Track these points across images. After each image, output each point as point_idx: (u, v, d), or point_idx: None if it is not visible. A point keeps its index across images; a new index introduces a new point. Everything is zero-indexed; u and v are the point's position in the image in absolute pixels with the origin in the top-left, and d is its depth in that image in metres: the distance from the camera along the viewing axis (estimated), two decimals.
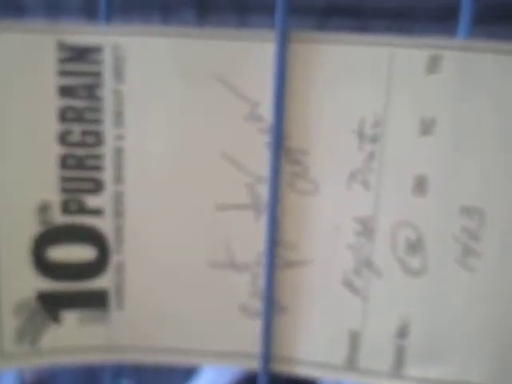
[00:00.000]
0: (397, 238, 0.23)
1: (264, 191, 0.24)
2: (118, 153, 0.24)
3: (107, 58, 0.23)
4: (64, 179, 0.24)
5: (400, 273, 0.24)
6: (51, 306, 0.25)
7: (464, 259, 0.23)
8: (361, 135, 0.23)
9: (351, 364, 0.25)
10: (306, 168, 0.24)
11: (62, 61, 0.23)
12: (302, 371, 0.25)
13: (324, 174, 0.24)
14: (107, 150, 0.24)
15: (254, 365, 0.25)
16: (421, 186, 0.23)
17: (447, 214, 0.23)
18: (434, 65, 0.22)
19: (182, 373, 0.44)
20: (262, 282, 0.24)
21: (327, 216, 0.24)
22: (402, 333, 0.24)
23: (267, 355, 0.25)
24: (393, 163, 0.23)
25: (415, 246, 0.23)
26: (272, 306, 0.24)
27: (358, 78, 0.23)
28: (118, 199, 0.24)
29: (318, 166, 0.24)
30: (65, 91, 0.23)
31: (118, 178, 0.24)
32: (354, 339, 0.24)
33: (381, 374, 0.24)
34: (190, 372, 0.42)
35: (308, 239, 0.24)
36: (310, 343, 0.25)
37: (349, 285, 0.24)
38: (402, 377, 0.24)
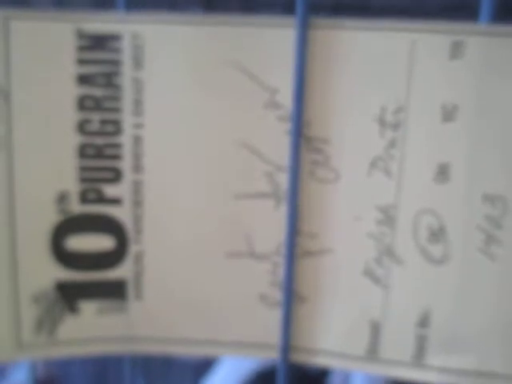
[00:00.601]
0: (419, 226, 0.23)
1: (284, 180, 0.23)
2: (137, 141, 0.23)
3: (126, 46, 0.22)
4: (83, 169, 0.23)
5: (422, 261, 0.23)
6: (69, 296, 0.24)
7: (487, 248, 0.22)
8: (382, 122, 0.22)
9: (372, 354, 0.24)
10: (327, 156, 0.23)
11: (81, 49, 0.22)
12: (322, 362, 0.24)
13: (345, 162, 0.23)
14: (126, 138, 0.23)
15: (273, 355, 0.24)
16: (443, 173, 0.22)
17: (470, 202, 0.22)
18: (456, 50, 0.21)
19: (193, 371, 0.43)
20: (281, 272, 0.24)
21: (348, 205, 0.23)
22: (424, 322, 0.23)
23: (286, 345, 0.24)
24: (415, 150, 0.22)
25: (437, 235, 0.22)
26: (292, 296, 0.24)
27: (379, 64, 0.22)
28: (137, 188, 0.23)
29: (338, 154, 0.23)
30: (83, 79, 0.23)
31: (137, 167, 0.23)
32: (375, 329, 0.23)
33: (402, 364, 0.24)
34: (201, 370, 0.41)
35: (328, 228, 0.23)
36: (330, 333, 0.24)
37: (370, 274, 0.23)
38: (424, 367, 0.23)
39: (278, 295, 0.24)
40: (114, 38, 0.22)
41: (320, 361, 0.24)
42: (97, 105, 0.23)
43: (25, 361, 0.25)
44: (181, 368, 0.45)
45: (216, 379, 0.38)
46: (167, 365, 0.44)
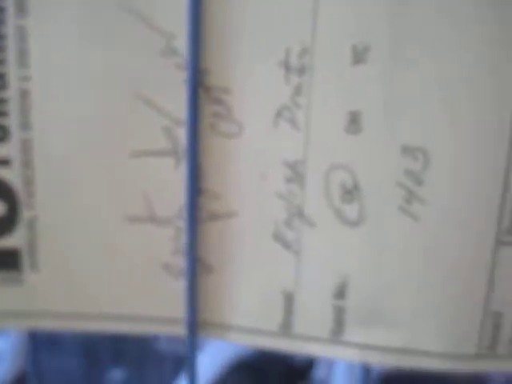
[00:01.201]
0: (330, 183, 0.20)
1: (183, 135, 0.20)
2: (24, 96, 0.21)
3: None
4: None
5: (336, 223, 0.20)
6: None
7: (408, 206, 0.19)
8: (287, 66, 0.19)
9: (286, 330, 0.21)
10: (229, 107, 0.20)
11: None
12: (233, 338, 0.21)
13: (248, 113, 0.20)
14: (12, 93, 0.21)
15: (180, 331, 0.22)
16: (355, 122, 0.19)
17: (387, 155, 0.19)
18: None
19: (174, 362, 0.41)
20: (184, 238, 0.21)
21: (253, 161, 0.20)
22: (341, 292, 0.20)
23: (193, 320, 0.21)
24: (323, 97, 0.19)
25: (352, 193, 0.20)
26: (196, 265, 0.21)
27: (281, 1, 0.19)
28: (26, 148, 0.21)
29: (241, 104, 0.20)
30: None
31: (25, 125, 0.21)
32: (288, 301, 0.21)
33: (319, 340, 0.21)
34: (182, 360, 0.39)
35: (233, 188, 0.20)
36: (241, 306, 0.21)
37: (280, 238, 0.20)
38: (343, 343, 0.21)
39: (182, 264, 0.21)
40: None
41: (232, 337, 0.22)
42: None
43: None
44: (161, 358, 0.43)
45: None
46: (147, 355, 0.43)
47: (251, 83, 0.20)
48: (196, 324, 0.21)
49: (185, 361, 0.38)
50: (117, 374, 0.37)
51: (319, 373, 0.35)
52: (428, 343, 0.20)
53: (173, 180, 0.21)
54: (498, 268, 0.19)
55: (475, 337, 0.20)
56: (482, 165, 0.19)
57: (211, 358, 0.35)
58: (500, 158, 0.19)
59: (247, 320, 0.21)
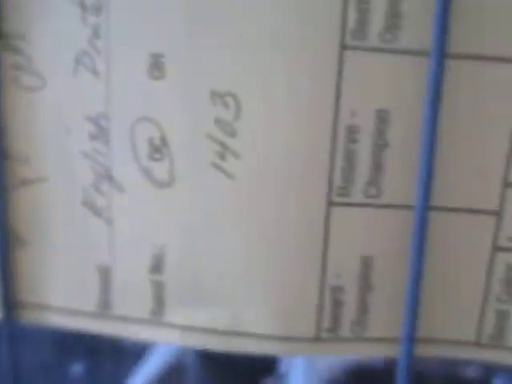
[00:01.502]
0: (137, 139, 0.17)
1: None
2: None
3: None
4: None
5: (145, 185, 0.17)
6: None
7: (221, 162, 0.16)
8: (83, 5, 0.17)
9: (104, 310, 0.18)
10: (29, 57, 0.18)
11: None
12: (52, 320, 0.19)
13: (48, 62, 0.17)
14: None
15: None
16: (158, 66, 0.16)
17: (194, 102, 0.16)
18: None
19: (133, 356, 0.39)
20: None
21: (58, 117, 0.18)
22: (158, 266, 0.17)
23: (7, 301, 0.19)
24: (122, 38, 0.16)
25: (160, 149, 0.17)
26: (6, 238, 0.19)
27: None
28: None
29: (40, 53, 0.17)
30: None
31: None
32: (105, 277, 0.18)
33: (139, 321, 0.18)
34: (141, 355, 0.37)
35: (41, 149, 0.18)
36: (57, 284, 0.19)
37: (90, 205, 0.18)
38: (164, 324, 0.18)
39: None
40: None
41: (50, 319, 0.19)
42: None
43: None
44: (122, 354, 0.41)
45: (147, 365, 0.34)
46: (108, 350, 0.41)
47: (47, 27, 0.17)
48: (11, 305, 0.19)
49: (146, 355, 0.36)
50: (77, 368, 0.35)
51: (283, 367, 0.33)
52: (257, 325, 0.17)
53: None
54: (331, 234, 0.16)
55: (313, 317, 0.17)
56: (303, 113, 0.16)
57: (167, 349, 0.33)
58: (326, 105, 0.16)
59: (64, 299, 0.19)
